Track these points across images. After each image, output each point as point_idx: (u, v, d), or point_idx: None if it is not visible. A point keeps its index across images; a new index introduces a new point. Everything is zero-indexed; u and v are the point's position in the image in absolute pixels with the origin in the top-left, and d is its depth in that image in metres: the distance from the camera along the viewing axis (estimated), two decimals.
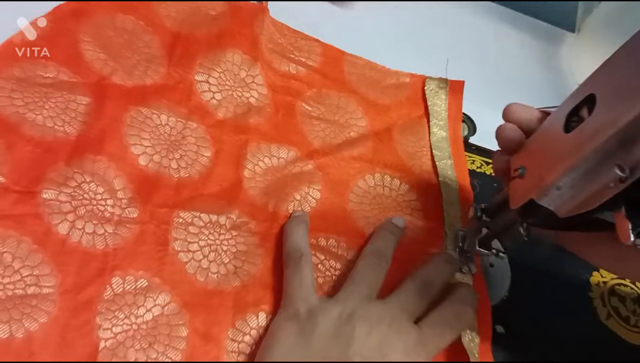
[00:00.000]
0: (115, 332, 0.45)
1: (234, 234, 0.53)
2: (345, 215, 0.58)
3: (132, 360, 0.44)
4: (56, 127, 0.51)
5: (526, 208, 0.46)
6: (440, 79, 0.73)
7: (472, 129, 0.72)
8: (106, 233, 0.48)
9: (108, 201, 0.50)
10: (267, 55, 0.66)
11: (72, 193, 0.49)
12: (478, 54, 0.85)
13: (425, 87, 0.73)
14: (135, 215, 0.50)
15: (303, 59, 0.69)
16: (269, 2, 0.69)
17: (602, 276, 0.62)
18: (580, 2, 0.89)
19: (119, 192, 0.51)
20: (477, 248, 0.54)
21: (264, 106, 0.62)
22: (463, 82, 0.73)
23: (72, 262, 0.46)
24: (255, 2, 0.68)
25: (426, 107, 0.71)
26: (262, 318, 0.50)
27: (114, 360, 0.44)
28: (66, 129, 0.52)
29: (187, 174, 0.55)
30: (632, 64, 0.36)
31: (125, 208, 0.50)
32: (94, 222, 0.48)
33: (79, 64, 0.56)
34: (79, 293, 0.45)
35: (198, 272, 0.50)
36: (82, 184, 0.49)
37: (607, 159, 0.37)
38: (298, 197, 0.57)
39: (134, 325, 0.45)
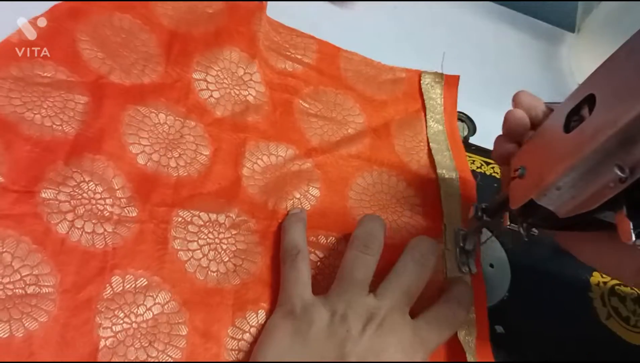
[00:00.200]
0: (115, 330, 0.45)
1: (233, 232, 0.53)
2: (345, 212, 0.59)
3: (132, 359, 0.44)
4: (54, 126, 0.51)
5: (526, 208, 0.46)
6: (436, 74, 0.74)
7: (472, 129, 0.72)
8: (105, 232, 0.48)
9: (107, 201, 0.50)
10: (264, 53, 0.66)
11: (71, 193, 0.49)
12: (478, 54, 0.85)
13: (422, 82, 0.73)
14: (134, 214, 0.50)
15: (299, 57, 0.69)
16: (269, 2, 0.69)
17: (602, 277, 0.62)
18: (580, 2, 0.89)
19: (118, 191, 0.51)
20: (509, 224, 0.52)
21: (262, 104, 0.63)
22: (458, 76, 0.74)
23: (71, 261, 0.46)
24: (255, 1, 0.68)
25: (423, 101, 0.71)
26: (262, 316, 0.50)
27: (114, 359, 0.44)
28: (64, 128, 0.52)
29: (186, 173, 0.55)
30: (631, 64, 0.36)
31: (125, 207, 0.50)
32: (93, 221, 0.48)
33: (76, 63, 0.56)
34: (78, 293, 0.45)
35: (198, 271, 0.50)
36: (81, 184, 0.49)
37: (607, 159, 0.37)
38: (297, 195, 0.57)
39: (134, 324, 0.45)
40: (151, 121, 0.56)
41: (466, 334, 0.52)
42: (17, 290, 0.43)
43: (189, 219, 0.52)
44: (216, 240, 0.52)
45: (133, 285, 0.47)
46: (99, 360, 0.43)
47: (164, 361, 0.45)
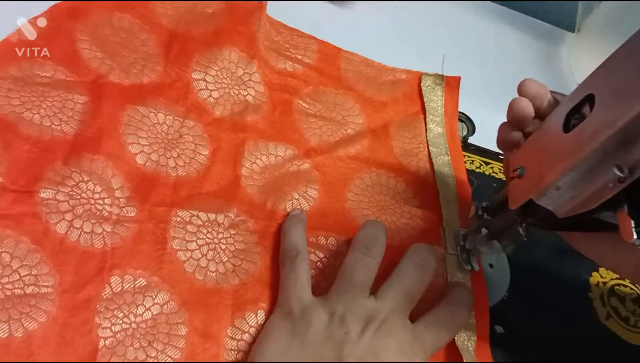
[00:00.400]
0: (115, 330, 0.45)
1: (232, 232, 0.53)
2: (344, 213, 0.59)
3: (131, 359, 0.44)
4: (53, 126, 0.51)
5: (525, 208, 0.46)
6: (437, 75, 0.73)
7: (471, 129, 0.72)
8: (104, 232, 0.48)
9: (106, 200, 0.50)
10: (264, 53, 0.66)
11: (70, 192, 0.49)
12: (478, 54, 0.85)
13: (422, 84, 0.73)
14: (133, 214, 0.50)
15: (299, 57, 0.69)
16: (268, 2, 0.69)
17: (602, 277, 0.62)
18: (580, 2, 0.89)
19: (116, 191, 0.51)
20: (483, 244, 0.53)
21: (261, 104, 0.63)
22: (459, 78, 0.73)
23: (70, 261, 0.46)
24: (255, 1, 0.68)
25: (423, 103, 0.71)
26: (261, 317, 0.50)
27: (113, 359, 0.44)
28: (63, 128, 0.52)
29: (185, 173, 0.55)
30: (631, 64, 0.36)
31: (123, 207, 0.50)
32: (92, 221, 0.48)
33: (76, 62, 0.56)
34: (77, 293, 0.45)
35: (197, 271, 0.50)
36: (79, 184, 0.49)
37: (606, 159, 0.37)
38: (296, 196, 0.57)
39: (133, 324, 0.45)
40: (150, 120, 0.56)
41: (464, 339, 0.52)
42: (16, 290, 0.43)
43: (187, 219, 0.52)
44: (215, 240, 0.52)
45: (132, 285, 0.47)
46: (98, 360, 0.43)
47: (163, 361, 0.45)
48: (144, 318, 0.46)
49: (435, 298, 0.53)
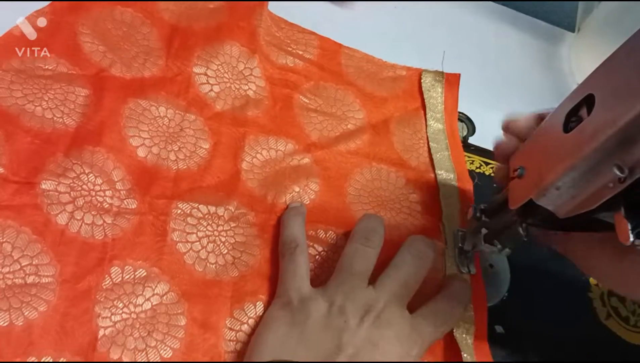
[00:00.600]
0: (114, 320, 0.45)
1: (232, 225, 0.53)
2: (344, 208, 0.59)
3: (131, 348, 0.44)
4: (55, 118, 0.52)
5: (525, 208, 0.46)
6: (437, 72, 0.74)
7: (472, 129, 0.72)
8: (105, 224, 0.49)
9: (107, 192, 0.50)
10: (265, 48, 0.66)
11: (71, 184, 0.49)
12: (478, 54, 0.85)
13: (422, 80, 0.73)
14: (134, 206, 0.50)
15: (300, 52, 0.69)
16: (269, 2, 0.69)
17: None
18: (580, 2, 0.89)
19: (117, 183, 0.51)
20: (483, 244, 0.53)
21: (262, 99, 0.63)
22: (459, 75, 0.74)
23: (71, 252, 0.46)
24: (256, 0, 0.68)
25: (423, 100, 0.72)
26: (260, 308, 0.50)
27: (113, 348, 0.44)
28: (65, 120, 0.52)
29: (186, 166, 0.55)
30: (631, 64, 0.36)
31: (124, 199, 0.50)
32: (92, 213, 0.48)
33: (77, 56, 0.56)
34: (78, 283, 0.45)
35: (197, 262, 0.50)
36: (81, 176, 0.50)
37: (607, 159, 0.37)
38: (297, 189, 0.58)
39: (132, 314, 0.46)
40: (151, 114, 0.56)
41: (463, 332, 0.53)
42: (16, 280, 0.43)
43: (188, 212, 0.52)
44: (215, 232, 0.52)
45: (132, 276, 0.47)
46: (98, 350, 0.43)
47: (162, 352, 0.45)
48: (143, 309, 0.46)
49: (433, 292, 0.53)
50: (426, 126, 0.69)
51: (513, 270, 0.60)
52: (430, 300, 0.51)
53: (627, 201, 0.37)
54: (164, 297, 0.48)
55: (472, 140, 0.71)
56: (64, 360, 0.42)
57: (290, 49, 0.68)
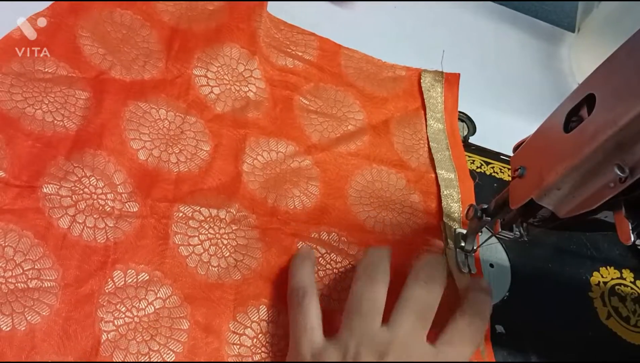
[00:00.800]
0: (117, 324, 0.45)
1: (234, 228, 0.53)
2: (346, 209, 0.59)
3: (134, 352, 0.44)
4: (56, 122, 0.52)
5: (526, 208, 0.46)
6: (436, 72, 0.74)
7: (472, 129, 0.72)
8: (107, 227, 0.48)
9: (108, 196, 0.50)
10: (265, 49, 0.66)
11: (73, 188, 0.49)
12: (478, 54, 0.85)
13: (422, 80, 0.73)
14: (135, 209, 0.50)
15: (300, 53, 0.69)
16: (269, 2, 0.69)
17: (602, 276, 0.62)
18: (580, 2, 0.89)
19: (119, 186, 0.51)
20: (500, 230, 0.52)
21: (262, 100, 0.63)
22: (459, 74, 0.74)
23: (73, 256, 0.46)
24: (256, 0, 0.68)
25: (423, 100, 0.72)
26: (263, 312, 0.50)
27: (116, 352, 0.44)
28: (66, 123, 0.52)
29: (187, 169, 0.55)
30: (631, 64, 0.36)
31: (126, 202, 0.50)
32: (94, 216, 0.48)
33: (77, 58, 0.56)
34: (80, 287, 0.45)
35: (199, 266, 0.50)
36: (82, 179, 0.50)
37: (607, 159, 0.37)
38: (297, 193, 0.58)
39: (135, 318, 0.46)
40: (152, 116, 0.56)
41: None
42: (19, 284, 0.43)
43: (189, 215, 0.52)
44: (217, 235, 0.52)
45: (134, 280, 0.47)
46: (101, 354, 0.43)
47: (165, 355, 0.45)
48: (146, 312, 0.46)
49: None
50: (426, 126, 0.69)
51: (513, 270, 0.60)
52: (450, 321, 0.49)
53: (628, 200, 0.38)
54: (167, 301, 0.47)
55: (472, 140, 0.71)
56: None
57: (289, 50, 0.68)
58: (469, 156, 0.68)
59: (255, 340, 0.48)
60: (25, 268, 0.44)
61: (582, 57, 0.89)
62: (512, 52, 0.89)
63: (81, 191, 0.49)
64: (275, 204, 0.56)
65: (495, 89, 0.81)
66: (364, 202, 0.60)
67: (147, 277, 0.48)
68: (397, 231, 0.58)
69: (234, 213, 0.54)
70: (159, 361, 0.45)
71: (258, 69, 0.64)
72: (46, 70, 0.54)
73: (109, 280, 0.46)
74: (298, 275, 0.50)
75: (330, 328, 0.47)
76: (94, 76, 0.56)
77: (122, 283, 0.47)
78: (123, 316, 0.45)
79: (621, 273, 0.63)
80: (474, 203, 0.60)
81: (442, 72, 0.73)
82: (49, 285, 0.44)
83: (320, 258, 0.54)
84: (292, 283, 0.50)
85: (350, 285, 0.49)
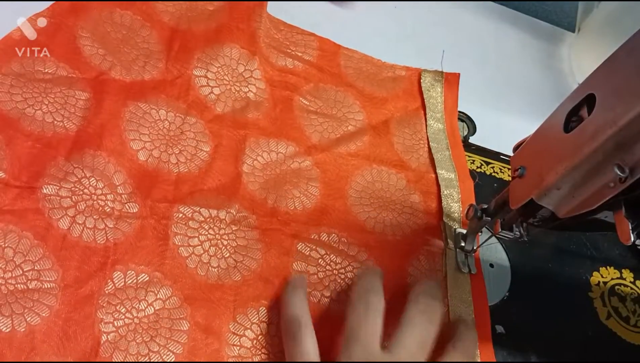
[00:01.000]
0: (117, 325, 0.45)
1: (233, 228, 0.53)
2: (345, 210, 0.59)
3: (134, 353, 0.44)
4: (55, 122, 0.52)
5: (526, 208, 0.46)
6: (436, 72, 0.74)
7: (472, 129, 0.72)
8: (107, 228, 0.48)
9: (108, 196, 0.50)
10: (265, 50, 0.66)
11: (73, 188, 0.49)
12: (478, 54, 0.85)
13: (421, 80, 0.73)
14: (135, 210, 0.50)
15: (300, 54, 0.69)
16: (269, 2, 0.69)
17: (602, 276, 0.62)
18: (580, 2, 0.89)
19: (119, 187, 0.51)
20: (500, 230, 0.52)
21: (262, 101, 0.63)
22: (458, 74, 0.74)
23: (73, 257, 0.46)
24: (256, 0, 0.68)
25: (422, 100, 0.72)
26: (263, 313, 0.50)
27: (116, 353, 0.44)
28: (65, 124, 0.52)
29: (187, 169, 0.55)
30: (631, 64, 0.36)
31: (126, 203, 0.50)
32: (94, 217, 0.48)
33: (77, 59, 0.56)
34: (80, 288, 0.45)
35: (199, 267, 0.50)
36: (82, 180, 0.50)
37: (607, 159, 0.37)
38: (297, 193, 0.58)
39: (135, 319, 0.46)
40: (152, 117, 0.56)
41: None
42: (19, 285, 0.43)
43: (189, 216, 0.52)
44: (217, 236, 0.52)
45: (134, 281, 0.47)
46: (100, 355, 0.43)
47: (165, 357, 0.45)
48: (146, 314, 0.46)
49: None
50: (426, 126, 0.69)
51: (513, 270, 0.60)
52: (444, 355, 0.48)
53: (628, 200, 0.38)
54: (167, 302, 0.47)
55: (472, 140, 0.71)
56: None
57: (289, 50, 0.68)
58: (469, 156, 0.68)
59: (255, 341, 0.48)
60: (25, 269, 0.44)
61: (582, 57, 0.89)
62: (512, 52, 0.89)
63: (81, 192, 0.49)
64: (275, 205, 0.56)
65: (495, 89, 0.81)
66: (364, 203, 0.60)
67: (147, 278, 0.48)
68: (397, 231, 0.58)
69: (234, 213, 0.54)
70: (158, 362, 0.45)
71: (258, 70, 0.64)
72: (46, 70, 0.54)
73: (109, 281, 0.46)
74: (291, 304, 0.49)
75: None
76: (94, 76, 0.56)
77: (122, 284, 0.47)
78: (123, 317, 0.45)
79: (621, 273, 0.63)
80: (474, 203, 0.60)
81: (442, 72, 0.73)
82: (49, 286, 0.44)
83: (320, 259, 0.54)
84: (286, 315, 0.48)
85: (345, 310, 0.48)
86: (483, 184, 0.66)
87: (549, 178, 0.41)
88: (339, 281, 0.53)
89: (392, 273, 0.55)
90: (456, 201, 0.62)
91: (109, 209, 0.49)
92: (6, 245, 0.44)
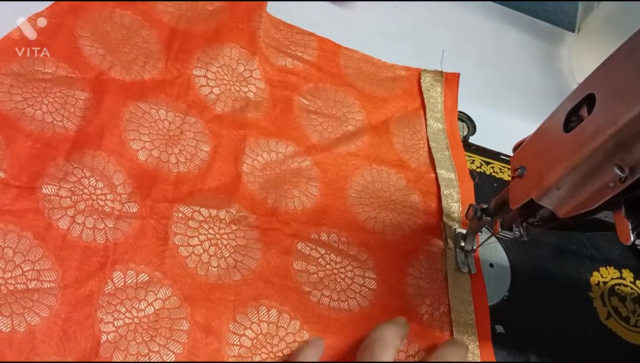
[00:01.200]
0: (117, 325, 0.45)
1: (233, 228, 0.53)
2: (345, 210, 0.59)
3: (134, 353, 0.44)
4: (55, 122, 0.52)
5: (526, 208, 0.46)
6: (436, 72, 0.74)
7: (472, 129, 0.72)
8: (106, 228, 0.48)
9: (108, 196, 0.50)
10: (264, 50, 0.66)
11: (72, 188, 0.49)
12: (478, 54, 0.85)
13: (421, 80, 0.73)
14: (135, 210, 0.50)
15: (299, 54, 0.69)
16: (269, 2, 0.69)
17: (602, 276, 0.62)
18: (580, 2, 0.89)
19: (118, 187, 0.51)
20: (500, 230, 0.51)
21: (262, 101, 0.63)
22: (458, 74, 0.74)
23: (72, 257, 0.46)
24: (255, 0, 0.68)
25: (422, 99, 0.72)
26: (263, 313, 0.50)
27: (116, 353, 0.44)
28: (65, 124, 0.52)
29: (186, 169, 0.55)
30: (631, 64, 0.36)
31: (125, 203, 0.50)
32: (94, 217, 0.48)
33: (77, 59, 0.56)
34: (80, 287, 0.45)
35: (199, 266, 0.50)
36: (82, 180, 0.49)
37: (607, 158, 0.37)
38: (297, 193, 0.58)
39: (135, 319, 0.46)
40: (151, 117, 0.56)
41: (468, 342, 0.53)
42: (18, 285, 0.43)
43: (189, 215, 0.52)
44: (217, 235, 0.52)
45: (134, 280, 0.47)
46: (100, 355, 0.43)
47: (165, 356, 0.45)
48: (146, 313, 0.46)
49: (437, 293, 0.54)
50: (426, 126, 0.69)
51: (513, 270, 0.60)
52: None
53: (628, 200, 0.38)
54: (167, 302, 0.47)
55: (472, 139, 0.71)
56: None
57: (289, 50, 0.68)
58: (469, 156, 0.68)
59: (255, 340, 0.48)
60: (24, 269, 0.44)
61: (582, 57, 0.89)
62: (512, 52, 0.89)
63: (81, 192, 0.49)
64: (275, 205, 0.56)
65: (495, 89, 0.81)
66: (364, 202, 0.60)
67: (147, 278, 0.48)
68: (397, 231, 0.58)
69: (234, 213, 0.54)
70: (158, 362, 0.45)
71: (258, 70, 0.64)
72: (46, 70, 0.54)
73: (109, 280, 0.46)
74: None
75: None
76: (94, 76, 0.56)
77: (122, 283, 0.47)
78: (123, 317, 0.45)
79: (621, 273, 0.63)
80: (474, 202, 0.60)
81: (441, 72, 0.73)
82: (49, 286, 0.44)
83: (320, 259, 0.54)
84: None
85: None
86: (483, 184, 0.66)
87: (549, 178, 0.41)
88: (339, 280, 0.53)
89: (392, 272, 0.55)
90: (456, 201, 0.62)
91: (108, 209, 0.49)
92: (6, 244, 0.44)
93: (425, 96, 0.71)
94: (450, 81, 0.73)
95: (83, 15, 0.59)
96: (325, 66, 0.70)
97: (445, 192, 0.63)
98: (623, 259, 0.65)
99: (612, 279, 0.63)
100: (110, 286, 0.46)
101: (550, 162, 0.41)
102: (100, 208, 0.49)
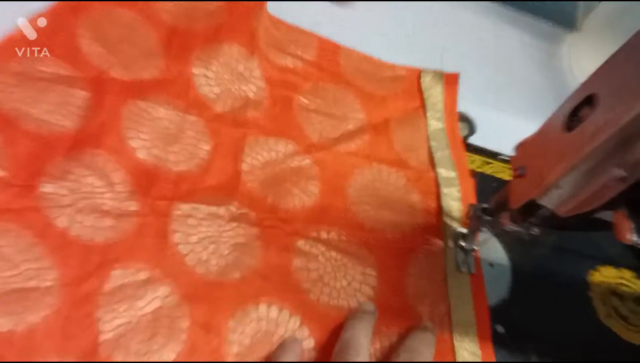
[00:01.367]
0: (117, 324, 0.45)
1: (233, 226, 0.53)
2: (345, 208, 0.59)
3: (133, 352, 0.44)
4: (55, 121, 0.51)
5: (526, 208, 0.46)
6: (435, 72, 0.74)
7: (472, 129, 0.72)
8: (106, 226, 0.48)
9: (107, 195, 0.50)
10: (264, 49, 0.66)
11: (71, 187, 0.49)
12: (478, 54, 0.85)
13: (421, 80, 0.73)
14: (134, 208, 0.50)
15: (299, 53, 0.69)
16: (269, 2, 0.69)
17: (602, 276, 0.62)
18: (580, 2, 0.89)
19: (117, 185, 0.51)
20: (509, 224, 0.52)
21: (262, 100, 0.63)
22: (458, 74, 0.74)
23: (72, 255, 0.46)
24: (255, 0, 0.68)
25: (422, 99, 0.72)
26: (263, 310, 0.50)
27: (115, 352, 0.44)
28: (65, 123, 0.52)
29: (186, 168, 0.55)
30: (632, 64, 0.36)
31: (125, 201, 0.50)
32: (93, 215, 0.48)
33: (77, 58, 0.56)
34: (79, 286, 0.45)
35: (198, 264, 0.50)
36: (81, 178, 0.49)
37: (608, 158, 0.37)
38: (297, 192, 0.58)
39: (134, 318, 0.45)
40: (151, 115, 0.56)
41: (461, 333, 0.53)
42: (17, 284, 0.43)
43: (188, 213, 0.52)
44: (216, 233, 0.52)
45: (134, 279, 0.47)
46: (100, 354, 0.43)
47: (165, 355, 0.45)
48: (145, 312, 0.46)
49: (436, 292, 0.54)
50: (426, 125, 0.69)
51: (513, 270, 0.60)
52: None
53: (628, 200, 0.38)
54: (166, 300, 0.47)
55: (472, 140, 0.71)
56: None
57: (289, 50, 0.68)
58: (469, 156, 0.68)
59: (254, 338, 0.48)
60: (23, 268, 0.44)
61: (582, 57, 0.89)
62: (512, 52, 0.89)
63: (80, 190, 0.49)
64: (275, 203, 0.56)
65: (495, 89, 0.81)
66: (364, 201, 0.60)
67: (146, 276, 0.48)
68: (396, 230, 0.58)
69: (234, 210, 0.54)
70: (158, 361, 0.45)
71: (258, 69, 0.64)
72: (45, 69, 0.54)
73: (108, 279, 0.46)
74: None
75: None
76: (94, 75, 0.56)
77: (121, 282, 0.46)
78: (122, 315, 0.45)
79: (621, 272, 0.63)
80: (475, 202, 0.60)
81: (441, 72, 0.73)
82: (48, 284, 0.44)
83: (320, 256, 0.54)
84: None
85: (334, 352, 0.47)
86: (483, 184, 0.66)
87: (550, 178, 0.41)
88: (338, 278, 0.53)
89: (391, 271, 0.55)
90: (456, 200, 0.62)
91: (107, 208, 0.49)
92: (5, 243, 0.44)
93: (425, 95, 0.72)
94: (450, 81, 0.73)
95: (83, 15, 0.59)
96: (325, 65, 0.70)
97: (445, 191, 0.63)
98: (623, 259, 0.65)
99: (612, 278, 0.63)
100: (109, 284, 0.46)
101: (551, 162, 0.41)
102: (99, 207, 0.49)
